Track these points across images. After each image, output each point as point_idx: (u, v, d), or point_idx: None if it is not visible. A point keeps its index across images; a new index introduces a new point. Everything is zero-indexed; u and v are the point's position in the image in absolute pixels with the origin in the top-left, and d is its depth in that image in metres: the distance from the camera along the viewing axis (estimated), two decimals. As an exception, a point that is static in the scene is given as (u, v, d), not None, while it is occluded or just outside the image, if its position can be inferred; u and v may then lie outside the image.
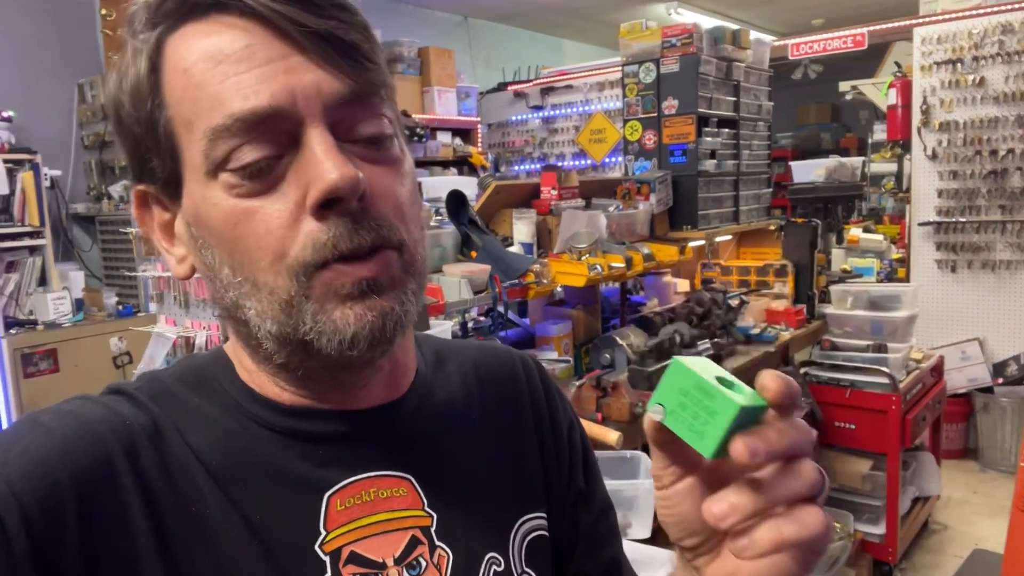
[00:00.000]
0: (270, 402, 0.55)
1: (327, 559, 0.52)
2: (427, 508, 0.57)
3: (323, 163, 0.47)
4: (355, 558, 0.53)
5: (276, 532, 0.51)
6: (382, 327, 0.49)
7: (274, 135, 0.47)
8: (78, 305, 4.00)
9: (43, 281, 4.06)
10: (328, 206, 0.47)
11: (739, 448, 0.40)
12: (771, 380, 0.42)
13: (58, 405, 0.51)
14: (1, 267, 3.92)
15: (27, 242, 4.00)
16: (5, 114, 3.87)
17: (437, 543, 0.56)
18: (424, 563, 0.55)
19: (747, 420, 0.41)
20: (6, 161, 3.80)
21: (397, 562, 0.54)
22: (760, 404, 0.41)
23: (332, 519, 0.53)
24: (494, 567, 0.59)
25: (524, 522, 0.63)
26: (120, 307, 4.12)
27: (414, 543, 0.55)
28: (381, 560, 0.54)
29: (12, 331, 3.74)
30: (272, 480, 0.53)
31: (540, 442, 0.67)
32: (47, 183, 4.07)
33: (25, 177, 3.90)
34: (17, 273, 4.00)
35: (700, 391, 0.41)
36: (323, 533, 0.52)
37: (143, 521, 0.48)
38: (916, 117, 4.30)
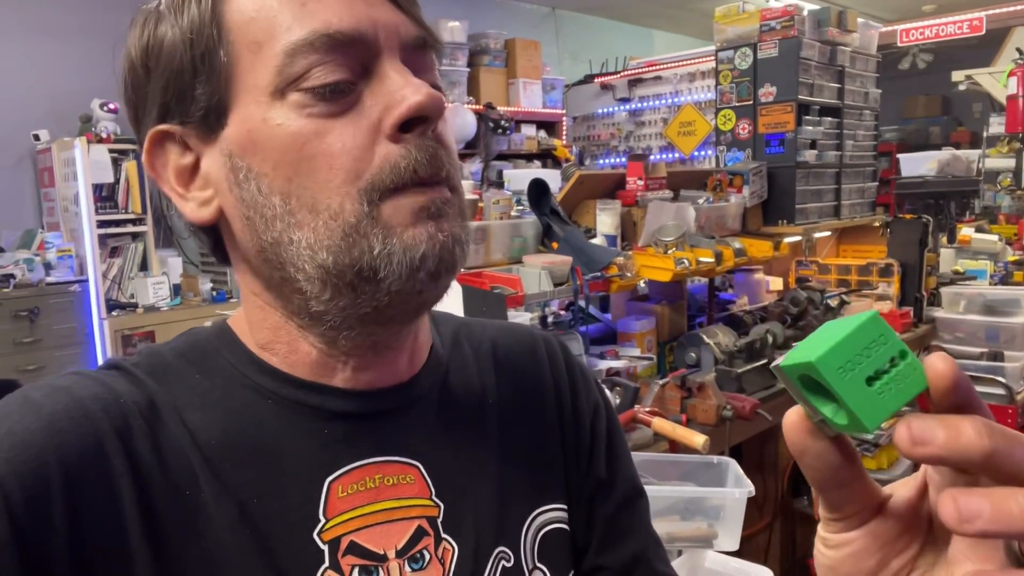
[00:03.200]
0: (278, 371, 0.52)
1: (325, 548, 0.49)
2: (435, 498, 0.54)
3: (407, 86, 0.47)
4: (355, 548, 0.50)
5: (272, 519, 0.49)
6: (452, 249, 0.49)
7: (350, 61, 0.47)
8: (175, 290, 4.18)
9: (144, 266, 4.27)
10: (406, 129, 0.47)
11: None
12: (942, 362, 0.30)
13: (53, 379, 0.49)
14: (105, 252, 4.13)
15: (130, 229, 4.21)
16: (111, 106, 4.07)
17: (443, 535, 0.54)
18: (428, 556, 0.53)
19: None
20: (111, 151, 4.01)
21: (399, 554, 0.51)
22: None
23: (333, 506, 0.50)
24: (503, 562, 0.55)
25: (539, 514, 0.59)
26: (214, 293, 4.28)
27: (419, 534, 0.53)
28: (382, 552, 0.51)
29: (114, 313, 3.94)
30: (271, 463, 0.50)
31: (561, 428, 0.64)
32: (149, 172, 4.26)
33: (129, 166, 4.10)
34: (120, 258, 4.21)
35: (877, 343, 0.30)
36: (322, 520, 0.50)
37: (133, 506, 0.45)
38: (1041, 107, 3.95)
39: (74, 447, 0.45)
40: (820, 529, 0.37)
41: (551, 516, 0.60)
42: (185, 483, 0.48)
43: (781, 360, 0.32)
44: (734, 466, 1.49)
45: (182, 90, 0.49)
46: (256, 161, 0.48)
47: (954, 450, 0.28)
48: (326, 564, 0.49)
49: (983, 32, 4.44)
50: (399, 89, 0.47)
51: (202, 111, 0.49)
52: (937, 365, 0.30)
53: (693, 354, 2.24)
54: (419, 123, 0.48)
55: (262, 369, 0.53)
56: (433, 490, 0.54)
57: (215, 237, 0.54)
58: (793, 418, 0.33)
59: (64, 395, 0.47)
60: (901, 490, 0.35)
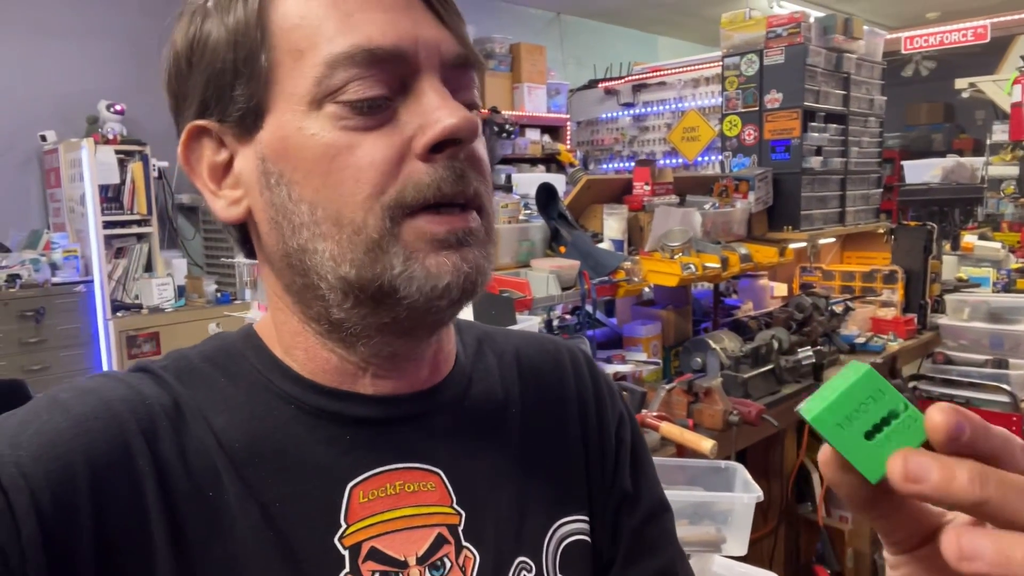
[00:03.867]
0: (302, 378, 0.53)
1: (346, 553, 0.50)
2: (456, 505, 0.54)
3: (442, 107, 0.47)
4: (375, 554, 0.50)
5: (294, 522, 0.49)
6: (474, 280, 0.49)
7: (389, 77, 0.47)
8: (180, 291, 4.19)
9: (149, 267, 4.28)
10: (438, 150, 0.48)
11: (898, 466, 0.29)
12: (939, 414, 0.30)
13: (80, 381, 0.50)
14: (111, 253, 4.14)
15: (135, 230, 4.22)
16: (118, 107, 4.08)
17: (464, 543, 0.54)
18: (449, 564, 0.53)
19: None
20: (118, 152, 4.02)
21: (420, 561, 0.52)
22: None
23: (354, 511, 0.51)
24: (524, 572, 0.55)
25: (561, 525, 0.59)
26: (219, 294, 4.30)
27: (440, 542, 0.53)
28: (403, 558, 0.51)
29: (119, 314, 3.95)
30: (294, 467, 0.50)
31: (584, 439, 0.63)
32: (155, 174, 4.27)
33: (135, 168, 4.11)
34: (125, 259, 4.22)
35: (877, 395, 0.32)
36: (343, 526, 0.50)
37: (157, 506, 0.46)
38: (1046, 115, 3.96)
39: (101, 447, 0.45)
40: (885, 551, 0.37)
41: (573, 527, 0.59)
42: (209, 484, 0.48)
43: (802, 407, 0.33)
44: (742, 471, 1.49)
45: (222, 89, 0.50)
46: (288, 168, 0.48)
47: (944, 493, 0.28)
48: (347, 569, 0.49)
49: (987, 40, 4.45)
50: (435, 110, 0.47)
51: (240, 112, 0.49)
52: (934, 418, 0.29)
53: (699, 359, 2.25)
54: (450, 145, 0.48)
55: (285, 375, 0.53)
56: (454, 498, 0.54)
57: (244, 234, 0.55)
58: (826, 454, 0.33)
59: (92, 396, 0.48)
60: (960, 518, 0.34)
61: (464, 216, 0.49)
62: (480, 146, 0.51)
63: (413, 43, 0.48)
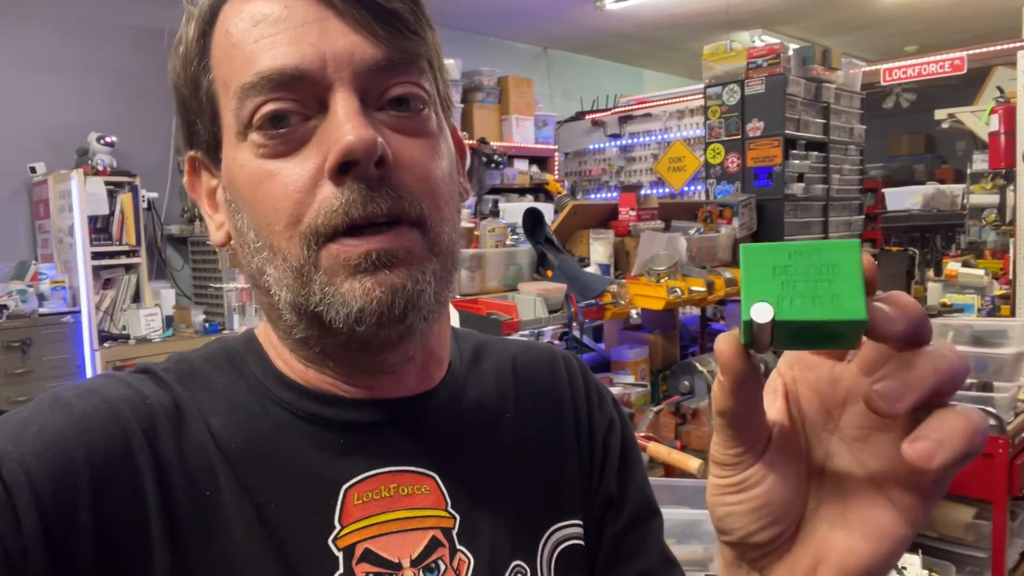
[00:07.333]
0: (296, 385, 0.54)
1: (340, 555, 0.50)
2: (450, 509, 0.54)
3: (342, 125, 0.45)
4: (369, 556, 0.51)
5: (289, 523, 0.50)
6: (391, 303, 0.46)
7: (301, 97, 0.47)
8: (168, 322, 4.17)
9: (137, 298, 4.26)
10: (345, 171, 0.46)
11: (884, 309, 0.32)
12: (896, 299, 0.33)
13: (83, 382, 0.51)
14: (98, 284, 4.12)
15: (123, 260, 4.21)
16: (108, 139, 4.10)
17: (458, 546, 0.54)
18: (443, 566, 0.53)
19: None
20: (107, 183, 4.03)
21: (414, 564, 0.52)
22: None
23: (348, 513, 0.51)
24: None
25: (556, 530, 0.59)
26: (207, 324, 4.27)
27: (434, 544, 0.53)
28: (397, 560, 0.51)
29: (106, 344, 3.92)
30: (289, 469, 0.51)
31: (578, 443, 0.63)
32: (144, 205, 4.28)
33: (124, 199, 4.12)
34: (113, 290, 4.21)
35: (800, 255, 0.31)
36: (338, 527, 0.50)
37: (156, 503, 0.47)
38: (1021, 144, 4.04)
39: (102, 446, 0.46)
40: (720, 479, 0.37)
41: (568, 532, 0.60)
42: (206, 484, 0.49)
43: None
44: (729, 490, 1.49)
45: (191, 122, 0.52)
46: (236, 197, 0.50)
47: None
48: (340, 570, 0.49)
49: (964, 71, 4.57)
50: (337, 128, 0.45)
51: (205, 144, 0.52)
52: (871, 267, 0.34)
53: (687, 382, 2.26)
54: (354, 166, 0.45)
55: (280, 381, 0.54)
56: (449, 501, 0.54)
57: None
58: (732, 343, 0.34)
59: (94, 396, 0.49)
60: (771, 414, 0.38)
61: (386, 236, 0.47)
62: (416, 151, 0.49)
63: (319, 60, 0.46)
